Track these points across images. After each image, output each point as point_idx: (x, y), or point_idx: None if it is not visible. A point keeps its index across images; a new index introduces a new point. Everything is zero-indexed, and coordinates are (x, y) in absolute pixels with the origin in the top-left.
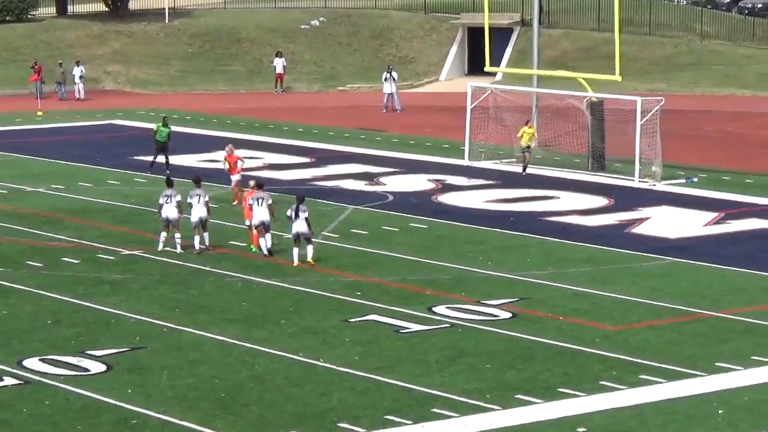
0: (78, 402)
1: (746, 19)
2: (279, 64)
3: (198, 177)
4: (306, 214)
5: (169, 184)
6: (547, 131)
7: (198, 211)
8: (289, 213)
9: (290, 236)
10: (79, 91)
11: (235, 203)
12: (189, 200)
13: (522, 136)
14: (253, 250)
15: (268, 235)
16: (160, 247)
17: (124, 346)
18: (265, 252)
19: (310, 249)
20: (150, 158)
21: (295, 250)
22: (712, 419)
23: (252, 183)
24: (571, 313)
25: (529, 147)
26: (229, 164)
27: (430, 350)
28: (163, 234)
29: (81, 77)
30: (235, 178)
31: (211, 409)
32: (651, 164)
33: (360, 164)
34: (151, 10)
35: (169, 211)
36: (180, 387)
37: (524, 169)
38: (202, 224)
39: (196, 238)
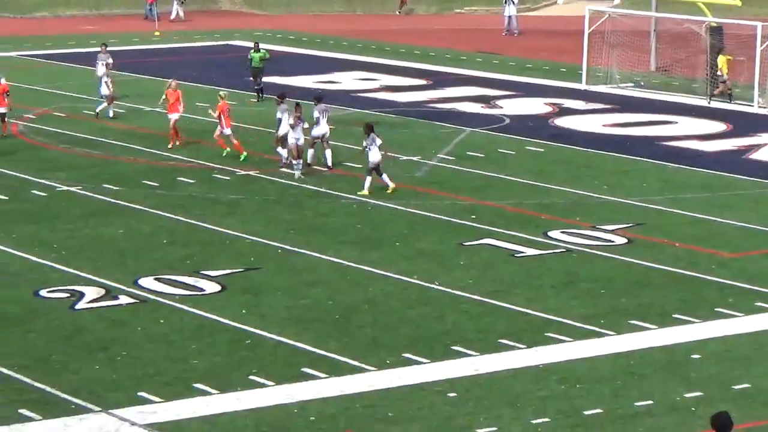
0: (193, 321)
1: None
2: None
3: (320, 95)
4: (380, 142)
5: (282, 98)
6: (664, 56)
7: (322, 128)
8: (365, 144)
9: (369, 165)
10: (176, 13)
11: (170, 146)
12: (314, 115)
13: (722, 66)
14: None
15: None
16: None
17: (239, 266)
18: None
19: (386, 177)
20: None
21: (369, 180)
22: None
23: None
24: (687, 240)
25: (721, 75)
26: (169, 101)
27: (544, 275)
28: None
29: None
30: (174, 117)
31: (325, 331)
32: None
33: (477, 87)
34: None
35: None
36: (294, 308)
37: (730, 99)
38: (325, 141)
39: (311, 152)
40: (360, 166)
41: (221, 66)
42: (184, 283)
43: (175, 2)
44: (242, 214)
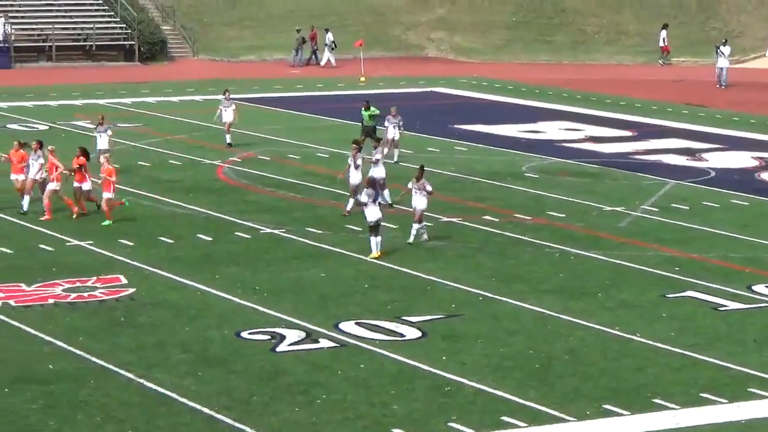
0: (393, 367)
1: None
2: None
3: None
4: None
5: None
6: None
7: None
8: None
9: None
10: (327, 59)
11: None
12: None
13: None
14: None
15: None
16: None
17: (440, 313)
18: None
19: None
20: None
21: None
22: None
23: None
24: None
25: None
26: (12, 162)
27: (748, 329)
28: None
29: (326, 45)
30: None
31: (525, 380)
32: None
33: (682, 139)
34: None
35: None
36: (494, 356)
37: None
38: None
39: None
40: (563, 215)
41: (425, 113)
42: (385, 329)
43: (327, 49)
44: (444, 260)
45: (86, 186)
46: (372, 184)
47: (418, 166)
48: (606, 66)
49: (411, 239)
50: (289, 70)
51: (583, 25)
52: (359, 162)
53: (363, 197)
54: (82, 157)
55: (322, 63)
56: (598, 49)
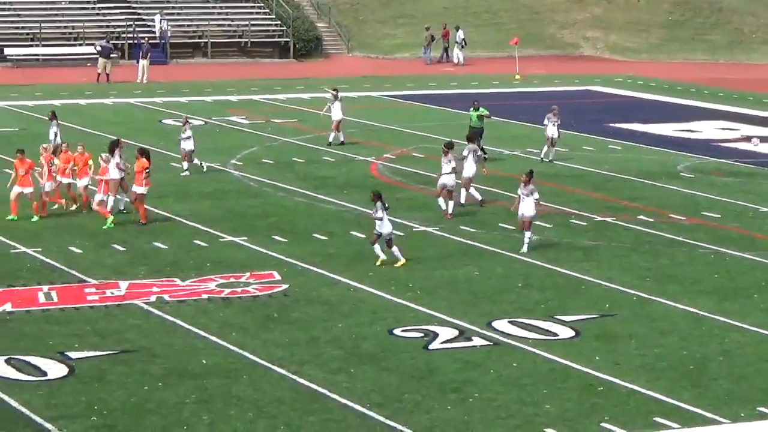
0: (545, 366)
1: None
2: None
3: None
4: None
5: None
6: None
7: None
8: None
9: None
10: (457, 57)
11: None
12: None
13: None
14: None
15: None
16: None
17: (594, 312)
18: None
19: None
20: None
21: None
22: None
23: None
24: None
25: None
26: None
27: None
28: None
29: (456, 43)
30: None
31: (678, 381)
32: None
33: None
34: None
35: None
36: (648, 357)
37: None
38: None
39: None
40: (719, 216)
41: (580, 111)
42: (538, 327)
43: (457, 47)
44: (598, 259)
45: (141, 190)
46: (378, 197)
47: (572, 165)
48: (763, 65)
49: (525, 248)
50: (443, 67)
51: (741, 24)
52: (452, 164)
53: (379, 213)
54: (144, 159)
55: (455, 61)
56: (755, 49)
